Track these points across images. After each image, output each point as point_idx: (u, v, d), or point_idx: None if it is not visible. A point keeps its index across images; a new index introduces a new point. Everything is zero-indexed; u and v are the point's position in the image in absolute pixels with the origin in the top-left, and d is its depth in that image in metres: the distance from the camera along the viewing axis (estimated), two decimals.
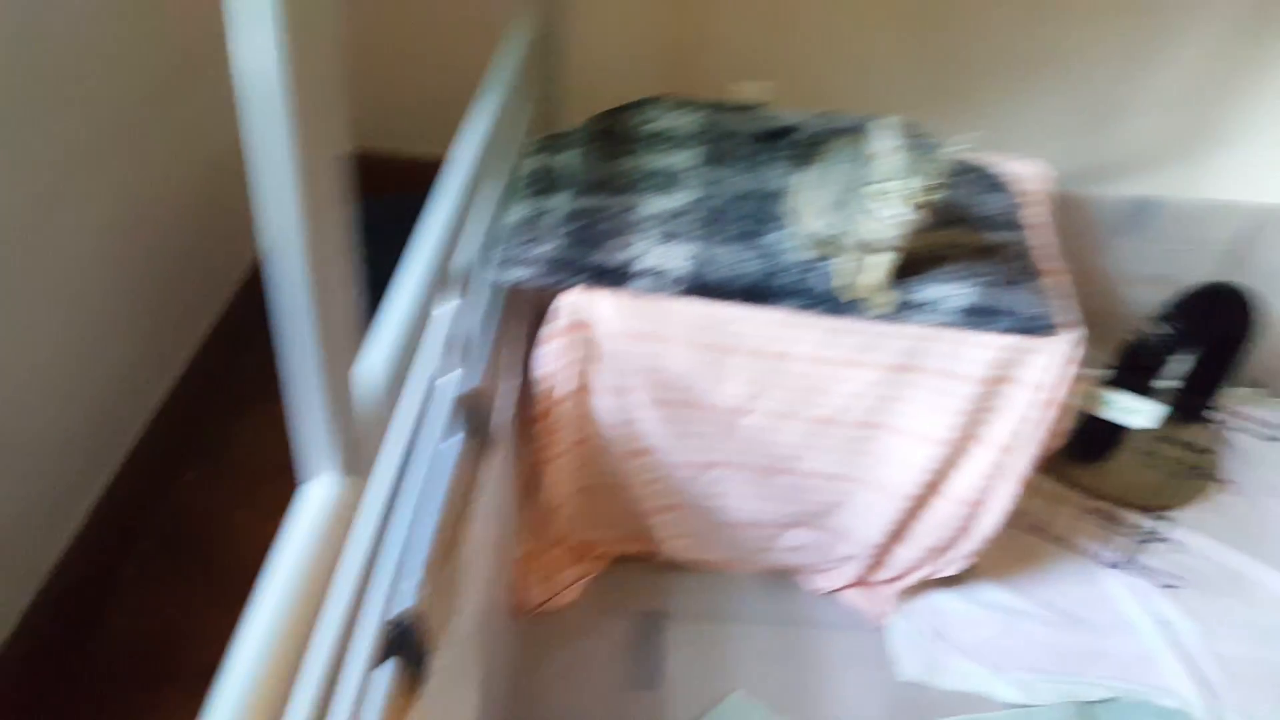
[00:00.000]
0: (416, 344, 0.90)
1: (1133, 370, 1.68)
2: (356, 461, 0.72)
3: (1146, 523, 1.69)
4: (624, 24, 1.79)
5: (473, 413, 1.22)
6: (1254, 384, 2.16)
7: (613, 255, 1.24)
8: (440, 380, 1.13)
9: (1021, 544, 1.77)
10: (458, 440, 1.17)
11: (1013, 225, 1.41)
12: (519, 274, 1.24)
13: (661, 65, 1.84)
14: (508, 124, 1.32)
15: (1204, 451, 1.55)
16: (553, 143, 1.50)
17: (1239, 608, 1.72)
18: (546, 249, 1.25)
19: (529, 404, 1.40)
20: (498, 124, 1.13)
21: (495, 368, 1.36)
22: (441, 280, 0.99)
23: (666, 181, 1.41)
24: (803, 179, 1.30)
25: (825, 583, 1.68)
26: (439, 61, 1.66)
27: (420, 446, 1.05)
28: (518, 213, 1.32)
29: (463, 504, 1.15)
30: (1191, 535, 1.82)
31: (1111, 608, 1.70)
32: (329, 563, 0.69)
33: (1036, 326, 1.25)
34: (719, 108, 1.61)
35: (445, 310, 1.07)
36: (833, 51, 1.80)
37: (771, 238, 1.32)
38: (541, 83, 1.58)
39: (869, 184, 1.15)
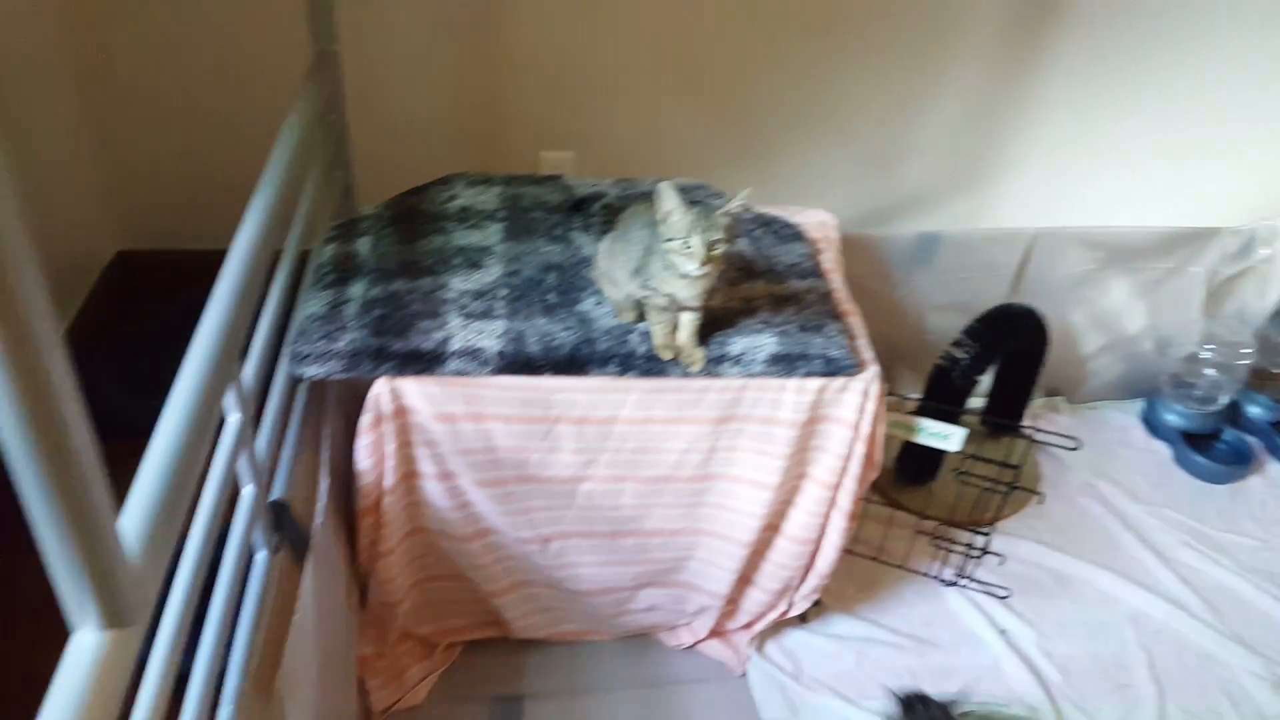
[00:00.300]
0: (196, 464, 0.84)
1: (943, 395, 1.78)
2: (125, 613, 0.66)
3: (974, 539, 1.78)
4: (418, 101, 1.78)
5: (283, 522, 1.16)
6: (1052, 393, 2.33)
7: (421, 339, 1.21)
8: (246, 491, 1.07)
9: (864, 573, 1.83)
10: (264, 556, 1.11)
11: (811, 273, 1.47)
12: (319, 369, 1.19)
13: (462, 140, 1.83)
14: (291, 213, 1.27)
15: (1016, 465, 1.65)
16: (350, 228, 1.46)
17: (1068, 607, 1.82)
18: (348, 340, 1.21)
19: (353, 500, 1.34)
20: (274, 215, 1.08)
21: (312, 469, 1.31)
22: (222, 386, 0.93)
23: (472, 259, 1.39)
24: (606, 245, 1.32)
25: (683, 638, 1.68)
26: (228, 152, 1.61)
27: (223, 570, 0.99)
28: (315, 303, 1.27)
29: (280, 621, 1.09)
30: (1016, 545, 1.93)
31: (954, 624, 1.78)
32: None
33: (841, 367, 1.30)
34: (519, 180, 1.61)
35: (235, 418, 1.01)
36: (631, 119, 1.85)
37: (584, 306, 1.32)
38: (330, 167, 1.54)
39: (664, 245, 1.17)
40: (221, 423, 1.02)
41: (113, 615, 0.64)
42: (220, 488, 0.98)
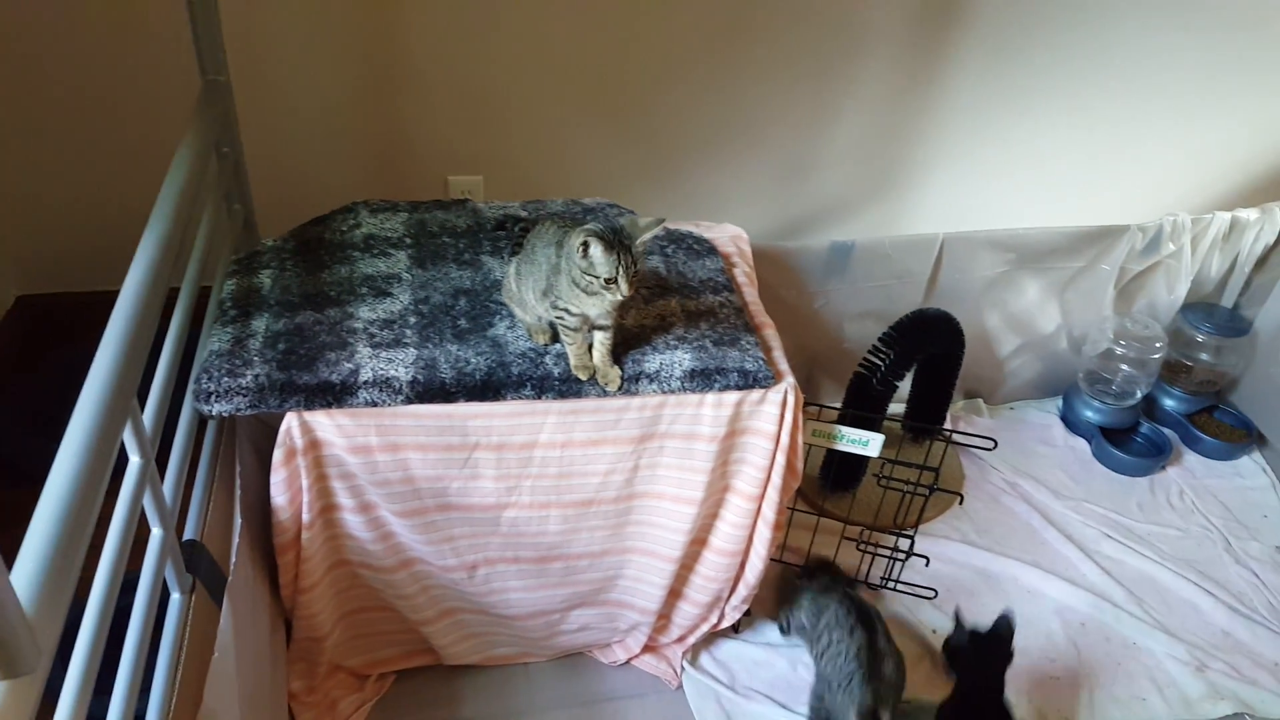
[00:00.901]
0: (91, 510, 0.82)
1: (863, 403, 1.80)
2: (19, 661, 0.65)
3: (900, 542, 1.81)
4: (317, 129, 1.76)
5: (197, 562, 1.15)
6: (971, 395, 2.38)
7: (329, 371, 1.20)
8: (154, 534, 1.05)
9: (792, 581, 1.85)
10: (178, 598, 1.09)
11: (724, 287, 1.49)
12: (224, 405, 1.18)
13: (367, 168, 1.82)
14: (188, 248, 1.25)
15: (935, 468, 1.68)
16: (251, 261, 1.44)
17: (995, 604, 1.85)
18: (253, 375, 1.19)
19: (272, 536, 1.32)
20: (166, 251, 1.06)
21: (226, 507, 1.29)
22: (118, 429, 0.92)
23: (379, 287, 1.38)
24: (514, 268, 1.32)
25: (618, 655, 1.68)
26: (121, 190, 1.58)
27: (135, 613, 0.97)
28: (218, 340, 1.26)
29: (199, 662, 1.07)
30: (941, 546, 1.96)
31: None
32: None
33: (757, 379, 1.31)
34: (425, 206, 1.61)
35: (136, 461, 1.00)
36: (539, 141, 1.86)
37: (497, 330, 1.32)
38: (228, 200, 1.52)
39: (574, 265, 1.18)
40: (125, 465, 1.00)
41: (7, 665, 0.63)
42: (124, 532, 0.96)
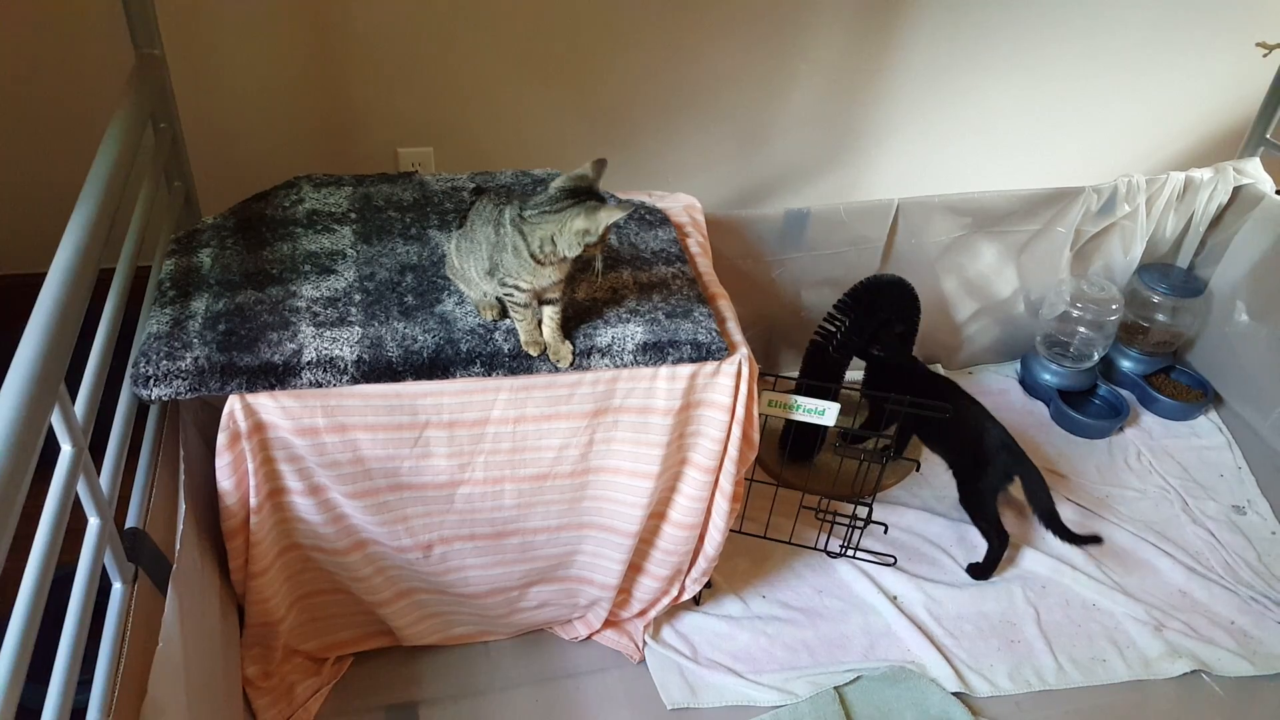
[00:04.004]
0: (14, 501, 0.79)
1: (819, 372, 1.80)
2: None
3: (857, 510, 1.81)
4: (258, 103, 1.71)
5: (139, 551, 1.12)
6: (930, 361, 2.38)
7: (271, 352, 1.17)
8: (92, 523, 1.03)
9: (753, 551, 1.85)
10: (120, 588, 1.07)
11: (677, 258, 1.47)
12: (163, 390, 1.14)
13: (312, 142, 1.78)
14: (121, 227, 1.21)
15: (890, 436, 1.69)
16: (190, 240, 1.40)
17: (952, 570, 1.88)
18: (192, 357, 1.16)
19: (220, 521, 1.30)
20: (96, 230, 1.03)
21: (170, 493, 1.26)
22: (43, 417, 0.89)
23: (323, 264, 1.35)
24: (454, 244, 1.30)
25: (579, 631, 1.68)
26: (50, 169, 1.53)
27: (72, 605, 0.95)
28: (156, 322, 1.22)
29: (144, 652, 1.05)
30: (900, 514, 1.97)
31: (845, 593, 1.81)
32: None
33: (710, 351, 1.30)
34: (370, 180, 1.57)
35: (68, 449, 0.97)
36: (490, 111, 1.83)
37: (445, 306, 1.30)
38: (167, 177, 1.48)
39: (526, 237, 1.16)
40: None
41: None
42: (55, 522, 0.93)
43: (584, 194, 1.16)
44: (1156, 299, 2.33)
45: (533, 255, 1.17)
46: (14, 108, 1.64)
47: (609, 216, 1.14)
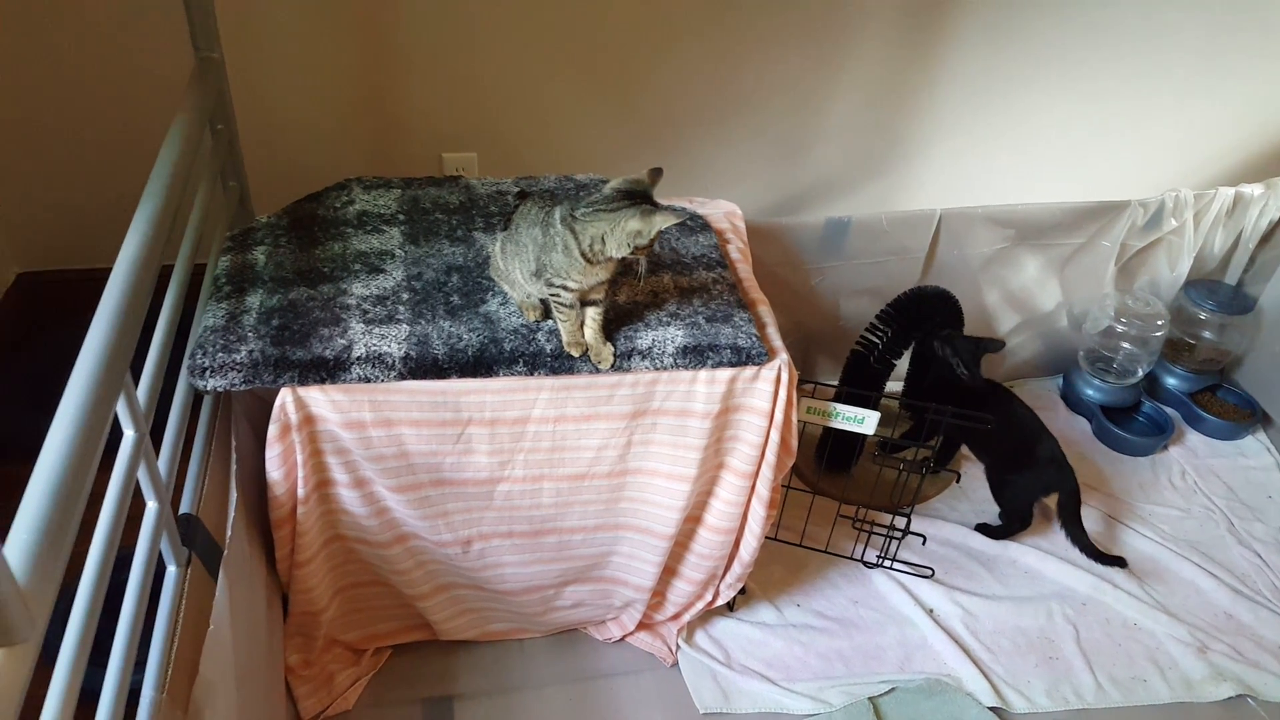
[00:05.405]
0: (83, 483, 0.83)
1: (860, 380, 1.80)
2: (12, 631, 0.66)
3: (896, 520, 1.81)
4: (311, 106, 1.76)
5: (193, 536, 1.16)
6: None
7: (322, 347, 1.21)
8: (150, 507, 1.06)
9: (789, 559, 1.86)
10: (174, 571, 1.10)
11: (718, 263, 1.49)
12: (218, 381, 1.18)
13: (360, 145, 1.82)
14: (181, 225, 1.26)
15: (932, 446, 1.68)
16: (245, 238, 1.45)
17: (993, 585, 1.86)
18: (247, 350, 1.20)
19: (268, 511, 1.34)
20: (159, 228, 1.07)
21: (223, 482, 1.30)
22: (110, 403, 0.93)
23: (372, 264, 1.39)
24: (499, 246, 1.32)
25: (612, 632, 1.69)
26: (117, 167, 1.58)
27: (130, 586, 0.98)
28: (212, 315, 1.26)
29: (195, 634, 1.08)
30: (938, 526, 1.96)
31: (881, 604, 1.81)
32: None
33: (750, 356, 1.31)
34: (418, 183, 1.61)
35: (130, 434, 1.01)
36: (534, 118, 1.86)
37: (489, 306, 1.33)
38: (223, 177, 1.52)
39: (578, 235, 1.18)
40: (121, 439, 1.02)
41: (2, 634, 0.64)
42: (118, 505, 0.97)
43: (639, 197, 1.18)
44: (1204, 316, 2.30)
45: (583, 253, 1.19)
46: (84, 109, 1.71)
47: (663, 221, 1.16)
